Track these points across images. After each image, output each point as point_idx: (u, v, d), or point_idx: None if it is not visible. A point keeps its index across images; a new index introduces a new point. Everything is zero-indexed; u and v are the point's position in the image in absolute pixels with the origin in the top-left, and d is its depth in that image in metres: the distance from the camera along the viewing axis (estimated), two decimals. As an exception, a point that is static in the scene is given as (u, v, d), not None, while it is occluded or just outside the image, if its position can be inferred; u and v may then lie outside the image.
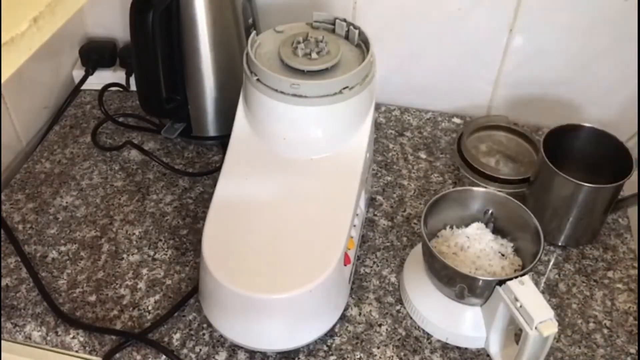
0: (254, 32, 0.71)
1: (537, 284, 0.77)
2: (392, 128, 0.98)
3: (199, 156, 0.93)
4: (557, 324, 0.59)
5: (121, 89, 1.03)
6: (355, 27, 0.71)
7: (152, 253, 0.80)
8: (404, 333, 0.71)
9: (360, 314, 0.73)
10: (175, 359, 0.68)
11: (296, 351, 0.69)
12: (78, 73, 1.04)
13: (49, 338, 0.71)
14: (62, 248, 0.80)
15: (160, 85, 0.82)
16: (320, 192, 0.69)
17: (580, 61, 0.92)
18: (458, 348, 0.70)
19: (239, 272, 0.64)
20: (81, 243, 0.81)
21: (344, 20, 0.72)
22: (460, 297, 0.67)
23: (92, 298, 0.74)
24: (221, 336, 0.70)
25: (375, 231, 0.82)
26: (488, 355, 0.69)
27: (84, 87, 1.04)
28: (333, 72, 0.67)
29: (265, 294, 0.63)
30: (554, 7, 0.88)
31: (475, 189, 0.73)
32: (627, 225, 0.84)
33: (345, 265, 0.69)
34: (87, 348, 0.70)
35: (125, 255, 0.79)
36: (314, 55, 0.68)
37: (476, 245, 0.71)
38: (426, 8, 0.92)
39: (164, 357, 0.68)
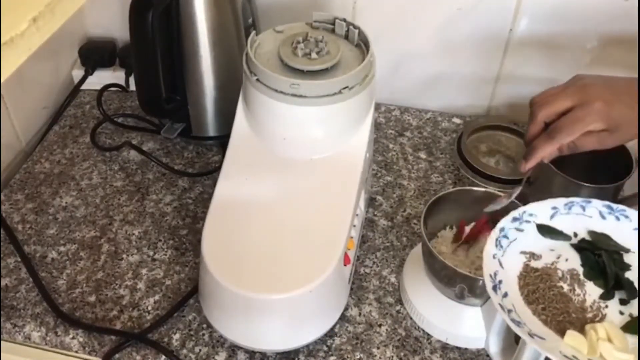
0: (253, 32, 0.71)
1: (537, 284, 0.77)
2: (392, 128, 0.98)
3: (199, 156, 0.93)
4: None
5: (120, 89, 1.03)
6: (355, 27, 0.71)
7: (151, 253, 0.79)
8: (403, 333, 0.71)
9: (360, 314, 0.73)
10: (175, 359, 0.68)
11: (296, 351, 0.69)
12: (78, 73, 1.04)
13: (48, 338, 0.71)
14: (62, 248, 0.80)
15: (160, 85, 0.82)
16: (320, 192, 0.69)
17: (580, 61, 0.92)
18: (458, 348, 0.70)
19: (239, 272, 0.64)
20: (81, 243, 0.81)
21: (344, 20, 0.72)
22: (460, 298, 0.67)
23: (92, 298, 0.74)
24: (221, 336, 0.70)
25: (375, 231, 0.82)
26: (488, 356, 0.69)
27: (83, 87, 1.04)
28: (333, 72, 0.67)
29: (265, 294, 0.63)
30: (553, 7, 0.88)
31: (475, 189, 0.73)
32: (627, 225, 0.84)
33: (345, 265, 0.69)
34: (86, 348, 0.70)
35: (124, 256, 0.79)
36: (313, 55, 0.67)
37: (476, 245, 0.71)
38: (426, 8, 0.92)
39: (163, 357, 0.68)
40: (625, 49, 0.88)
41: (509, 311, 0.56)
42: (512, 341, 0.67)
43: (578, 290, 0.59)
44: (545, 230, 0.63)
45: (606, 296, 0.58)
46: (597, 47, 0.90)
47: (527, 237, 0.62)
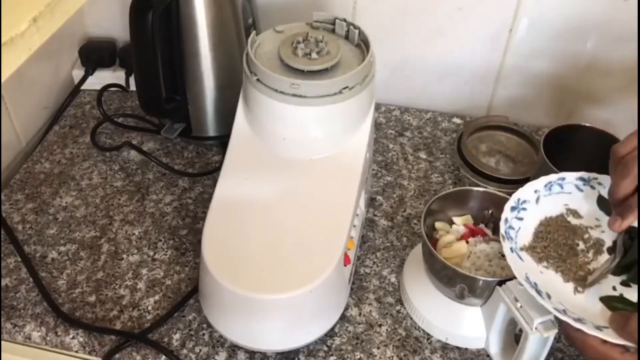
0: (253, 32, 0.71)
1: (537, 284, 0.77)
2: (392, 128, 0.98)
3: (199, 156, 0.93)
4: (557, 324, 0.59)
5: (120, 89, 1.03)
6: (355, 27, 0.71)
7: (151, 253, 0.79)
8: (404, 333, 0.71)
9: (360, 314, 0.73)
10: (175, 359, 0.68)
11: (296, 351, 0.69)
12: (78, 73, 1.04)
13: (48, 338, 0.71)
14: (62, 248, 0.80)
15: (160, 85, 0.82)
16: (320, 192, 0.69)
17: (580, 61, 0.92)
18: (458, 348, 0.70)
19: (238, 272, 0.64)
20: (81, 243, 0.81)
21: (344, 20, 0.72)
22: (460, 298, 0.67)
23: (92, 298, 0.74)
24: (221, 336, 0.70)
25: (375, 231, 0.82)
26: (488, 356, 0.69)
27: (83, 87, 1.04)
28: (333, 72, 0.67)
29: (265, 294, 0.63)
30: (553, 7, 0.88)
31: (475, 189, 0.73)
32: (627, 225, 0.84)
33: (345, 265, 0.69)
34: (86, 348, 0.70)
35: (125, 256, 0.79)
36: (314, 55, 0.67)
37: (476, 246, 0.71)
38: (426, 8, 0.92)
39: (163, 357, 0.68)
40: (625, 49, 0.88)
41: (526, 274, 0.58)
42: (512, 341, 0.67)
43: (590, 255, 0.61)
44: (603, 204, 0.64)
45: (615, 272, 0.60)
46: (597, 46, 0.90)
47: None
